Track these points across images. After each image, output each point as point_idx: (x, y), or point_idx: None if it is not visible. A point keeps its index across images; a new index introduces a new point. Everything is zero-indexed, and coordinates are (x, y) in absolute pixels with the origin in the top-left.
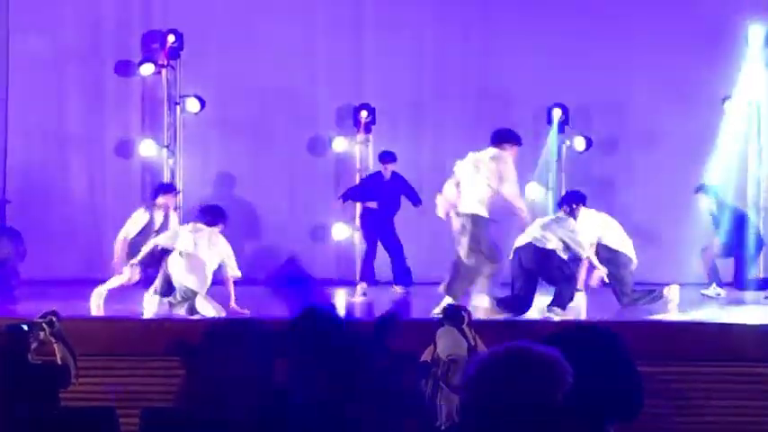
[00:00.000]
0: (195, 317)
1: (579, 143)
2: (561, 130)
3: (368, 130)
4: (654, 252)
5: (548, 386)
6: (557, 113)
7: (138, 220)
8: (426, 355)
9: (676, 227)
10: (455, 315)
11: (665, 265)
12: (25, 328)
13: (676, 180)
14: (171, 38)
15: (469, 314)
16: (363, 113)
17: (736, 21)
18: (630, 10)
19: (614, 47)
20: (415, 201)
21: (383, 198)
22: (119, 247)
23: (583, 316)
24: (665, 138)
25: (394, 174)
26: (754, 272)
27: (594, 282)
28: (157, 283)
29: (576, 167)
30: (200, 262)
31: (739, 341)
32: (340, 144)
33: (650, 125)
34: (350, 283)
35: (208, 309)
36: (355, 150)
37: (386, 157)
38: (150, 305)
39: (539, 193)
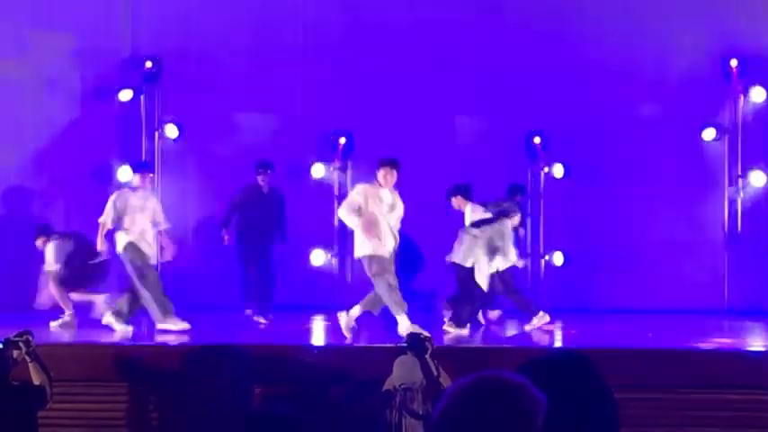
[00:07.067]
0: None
1: (557, 170)
2: (539, 156)
3: (346, 156)
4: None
5: (522, 414)
6: (535, 140)
7: None
8: (387, 384)
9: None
10: (418, 344)
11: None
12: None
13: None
14: (149, 64)
15: (432, 344)
16: (342, 140)
17: (715, 54)
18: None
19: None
20: None
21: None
22: None
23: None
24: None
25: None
26: None
27: None
28: None
29: (555, 194)
30: None
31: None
32: (318, 171)
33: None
34: (327, 309)
35: None
36: (333, 177)
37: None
38: None
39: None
